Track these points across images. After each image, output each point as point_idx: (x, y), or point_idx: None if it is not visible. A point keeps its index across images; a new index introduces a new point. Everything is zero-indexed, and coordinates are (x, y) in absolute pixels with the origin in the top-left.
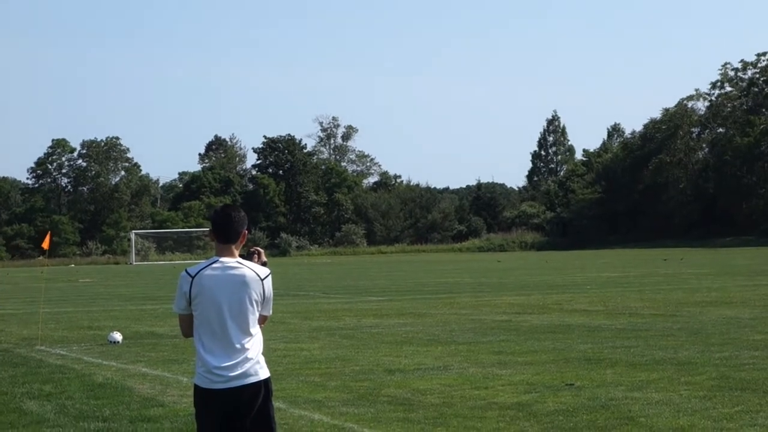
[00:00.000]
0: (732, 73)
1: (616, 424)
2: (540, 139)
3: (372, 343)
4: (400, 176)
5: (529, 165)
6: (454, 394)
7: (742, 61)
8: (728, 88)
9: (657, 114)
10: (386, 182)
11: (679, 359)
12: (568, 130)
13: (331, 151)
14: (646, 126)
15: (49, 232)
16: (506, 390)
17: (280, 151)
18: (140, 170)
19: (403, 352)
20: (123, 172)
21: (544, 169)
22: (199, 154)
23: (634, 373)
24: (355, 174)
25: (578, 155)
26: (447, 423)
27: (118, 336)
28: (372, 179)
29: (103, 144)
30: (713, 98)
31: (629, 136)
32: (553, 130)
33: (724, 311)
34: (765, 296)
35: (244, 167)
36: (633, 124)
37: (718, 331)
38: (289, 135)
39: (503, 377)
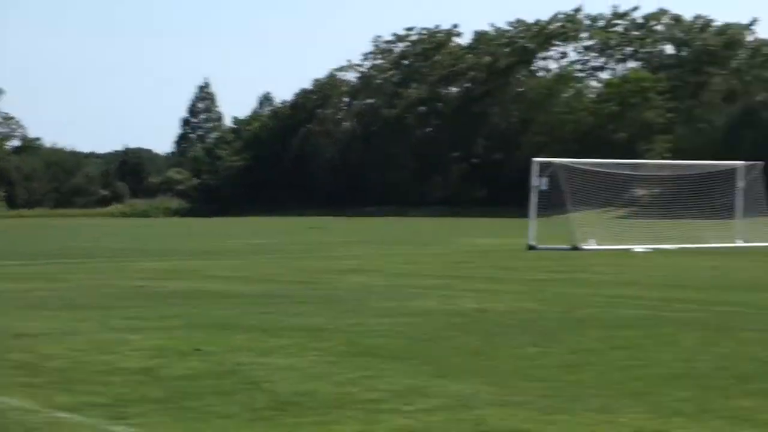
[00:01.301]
0: (385, 46)
1: (240, 389)
2: (190, 106)
3: (1, 308)
4: (39, 138)
5: (179, 131)
6: (82, 360)
7: (394, 34)
8: (380, 61)
9: (309, 84)
10: (29, 145)
11: (310, 325)
12: (220, 98)
13: None
14: (296, 95)
15: None
16: (134, 355)
17: None
18: None
19: (33, 317)
20: None
21: (192, 136)
22: None
23: (265, 338)
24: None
25: (229, 123)
26: (71, 388)
27: None
28: (15, 142)
29: None
30: (364, 70)
31: (280, 105)
32: (204, 97)
33: (360, 279)
34: (400, 264)
35: None
36: (286, 94)
37: (352, 297)
38: None
39: (133, 342)
